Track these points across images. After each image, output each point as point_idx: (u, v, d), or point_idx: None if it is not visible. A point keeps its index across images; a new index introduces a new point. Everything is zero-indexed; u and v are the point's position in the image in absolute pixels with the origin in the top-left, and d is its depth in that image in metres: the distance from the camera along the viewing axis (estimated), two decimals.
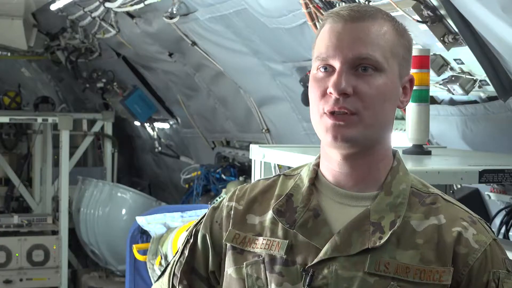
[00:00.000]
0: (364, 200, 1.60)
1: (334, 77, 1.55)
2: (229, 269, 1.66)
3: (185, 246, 1.75)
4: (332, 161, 1.62)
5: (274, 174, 1.78)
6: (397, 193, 1.60)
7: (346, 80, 1.54)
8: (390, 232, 1.55)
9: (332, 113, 1.55)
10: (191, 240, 1.74)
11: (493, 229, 1.65)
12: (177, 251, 1.78)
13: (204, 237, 1.72)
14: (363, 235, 1.56)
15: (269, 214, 1.65)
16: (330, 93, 1.55)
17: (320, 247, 1.57)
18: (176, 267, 1.75)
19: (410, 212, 1.59)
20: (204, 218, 1.75)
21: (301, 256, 1.58)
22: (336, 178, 1.62)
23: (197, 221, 1.77)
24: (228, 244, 1.67)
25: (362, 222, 1.57)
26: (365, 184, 1.62)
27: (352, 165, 1.60)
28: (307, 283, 1.56)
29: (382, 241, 1.55)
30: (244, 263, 1.64)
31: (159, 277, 1.81)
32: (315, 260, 1.56)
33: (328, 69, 1.57)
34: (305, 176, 1.67)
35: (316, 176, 1.66)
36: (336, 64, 1.56)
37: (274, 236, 1.63)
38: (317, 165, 1.68)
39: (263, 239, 1.63)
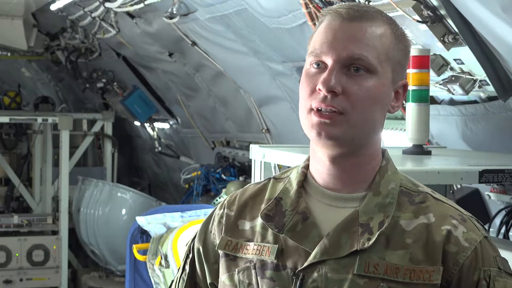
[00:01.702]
0: (353, 201, 1.59)
1: (324, 74, 1.54)
2: (222, 276, 1.65)
3: (185, 262, 1.75)
4: (320, 163, 1.61)
5: (267, 177, 1.77)
6: (385, 193, 1.59)
7: (336, 79, 1.53)
8: (377, 233, 1.54)
9: (319, 110, 1.54)
10: (190, 255, 1.74)
11: (485, 227, 1.63)
12: (179, 267, 1.78)
13: (198, 251, 1.72)
14: (352, 237, 1.55)
15: (260, 219, 1.64)
16: (319, 89, 1.54)
17: (310, 250, 1.56)
18: (180, 284, 1.75)
19: (400, 212, 1.58)
20: (198, 231, 1.75)
21: (291, 260, 1.58)
22: (325, 180, 1.61)
23: (194, 235, 1.76)
24: (221, 252, 1.66)
25: (351, 224, 1.56)
26: (354, 186, 1.60)
27: (340, 167, 1.59)
28: (297, 287, 1.55)
29: (370, 242, 1.54)
30: (236, 270, 1.63)
31: None
32: (305, 264, 1.56)
33: (321, 66, 1.56)
34: (294, 179, 1.66)
35: (305, 178, 1.65)
36: (329, 61, 1.55)
37: (264, 241, 1.62)
38: (306, 167, 1.67)
39: (254, 244, 1.62)
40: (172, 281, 1.79)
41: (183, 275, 1.75)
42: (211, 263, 1.70)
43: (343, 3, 3.32)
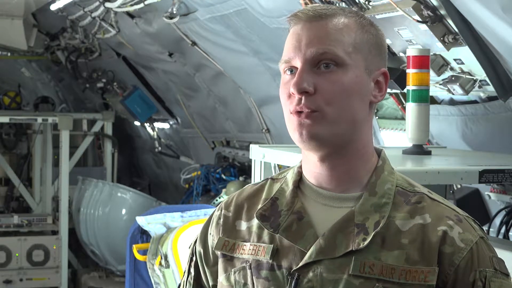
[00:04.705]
0: (348, 201, 1.59)
1: (295, 78, 1.56)
2: (220, 277, 1.66)
3: (190, 265, 1.76)
4: (310, 163, 1.62)
5: (266, 177, 1.77)
6: (381, 193, 1.59)
7: (306, 79, 1.54)
8: (373, 233, 1.54)
9: (298, 112, 1.56)
10: (194, 258, 1.75)
11: (482, 227, 1.63)
12: (185, 271, 1.79)
13: (200, 253, 1.73)
14: (347, 237, 1.55)
15: (256, 219, 1.64)
16: (292, 93, 1.55)
17: (305, 250, 1.56)
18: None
19: (395, 212, 1.57)
20: (199, 234, 1.75)
21: (287, 260, 1.58)
22: (318, 179, 1.61)
23: (196, 237, 1.77)
24: (219, 252, 1.67)
25: (347, 224, 1.56)
26: (348, 185, 1.60)
27: (330, 166, 1.59)
28: (292, 287, 1.55)
29: (366, 243, 1.53)
30: (232, 270, 1.63)
31: None
32: (300, 264, 1.56)
33: (294, 71, 1.58)
34: (290, 179, 1.67)
35: (300, 178, 1.66)
36: (298, 64, 1.56)
37: (260, 241, 1.62)
38: (301, 167, 1.67)
39: (250, 244, 1.63)
40: (179, 285, 1.79)
41: (189, 278, 1.75)
42: (210, 265, 1.70)
43: (343, 4, 3.32)
